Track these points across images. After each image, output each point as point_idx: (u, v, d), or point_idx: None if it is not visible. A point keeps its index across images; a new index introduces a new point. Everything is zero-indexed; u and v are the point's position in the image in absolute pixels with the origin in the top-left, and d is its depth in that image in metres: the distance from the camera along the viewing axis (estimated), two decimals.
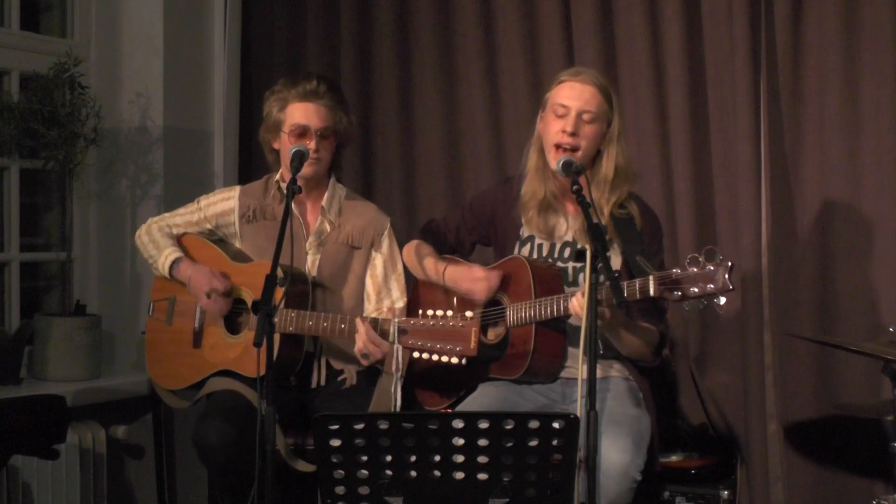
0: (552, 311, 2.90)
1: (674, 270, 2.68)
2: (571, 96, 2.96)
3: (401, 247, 3.35)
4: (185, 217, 3.38)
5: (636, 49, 3.75)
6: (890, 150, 3.42)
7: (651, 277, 2.70)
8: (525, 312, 2.96)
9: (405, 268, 3.33)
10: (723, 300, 2.62)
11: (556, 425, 2.22)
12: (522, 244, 3.13)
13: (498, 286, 3.05)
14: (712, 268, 2.62)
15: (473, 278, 3.06)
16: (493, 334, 3.11)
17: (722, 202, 3.64)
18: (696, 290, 2.63)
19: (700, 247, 3.63)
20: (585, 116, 2.95)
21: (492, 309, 3.09)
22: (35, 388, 3.60)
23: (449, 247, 3.30)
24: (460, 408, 3.02)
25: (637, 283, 2.73)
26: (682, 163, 3.68)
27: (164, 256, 3.31)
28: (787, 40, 3.53)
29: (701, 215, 3.68)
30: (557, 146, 2.96)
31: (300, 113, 3.19)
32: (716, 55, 3.64)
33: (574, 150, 2.94)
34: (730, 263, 2.62)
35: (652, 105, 3.72)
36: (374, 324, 2.97)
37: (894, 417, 2.79)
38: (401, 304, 3.30)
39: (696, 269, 2.64)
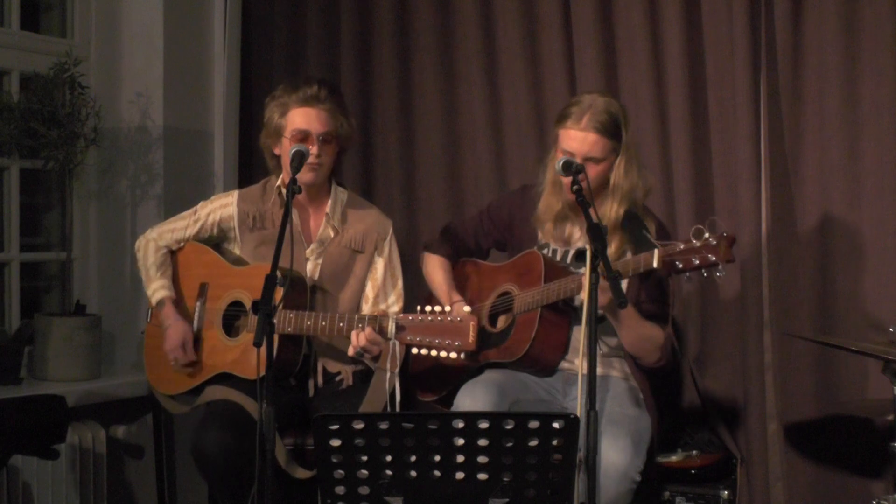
0: (558, 294, 2.93)
1: (677, 243, 2.70)
2: (573, 145, 2.99)
3: (403, 249, 3.37)
4: (184, 231, 3.37)
5: (636, 49, 3.75)
6: (890, 150, 3.42)
7: (655, 250, 2.71)
8: (532, 298, 3.01)
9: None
10: (723, 271, 2.64)
11: (555, 425, 2.23)
12: (539, 250, 3.17)
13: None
14: (714, 240, 2.63)
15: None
16: (502, 322, 3.16)
17: (722, 202, 3.64)
18: (697, 260, 2.65)
19: None
20: (591, 160, 2.98)
21: (501, 299, 3.14)
22: (35, 388, 3.59)
23: (468, 250, 3.36)
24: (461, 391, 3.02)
25: (641, 256, 2.76)
26: (682, 163, 3.68)
27: (152, 290, 3.35)
28: (787, 40, 3.53)
29: (701, 215, 3.67)
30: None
31: (301, 118, 3.18)
32: (716, 55, 3.64)
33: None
34: (732, 234, 2.65)
35: (652, 105, 3.72)
36: (373, 321, 2.97)
37: (894, 417, 2.80)
38: (396, 308, 3.30)
39: (697, 242, 2.65)
